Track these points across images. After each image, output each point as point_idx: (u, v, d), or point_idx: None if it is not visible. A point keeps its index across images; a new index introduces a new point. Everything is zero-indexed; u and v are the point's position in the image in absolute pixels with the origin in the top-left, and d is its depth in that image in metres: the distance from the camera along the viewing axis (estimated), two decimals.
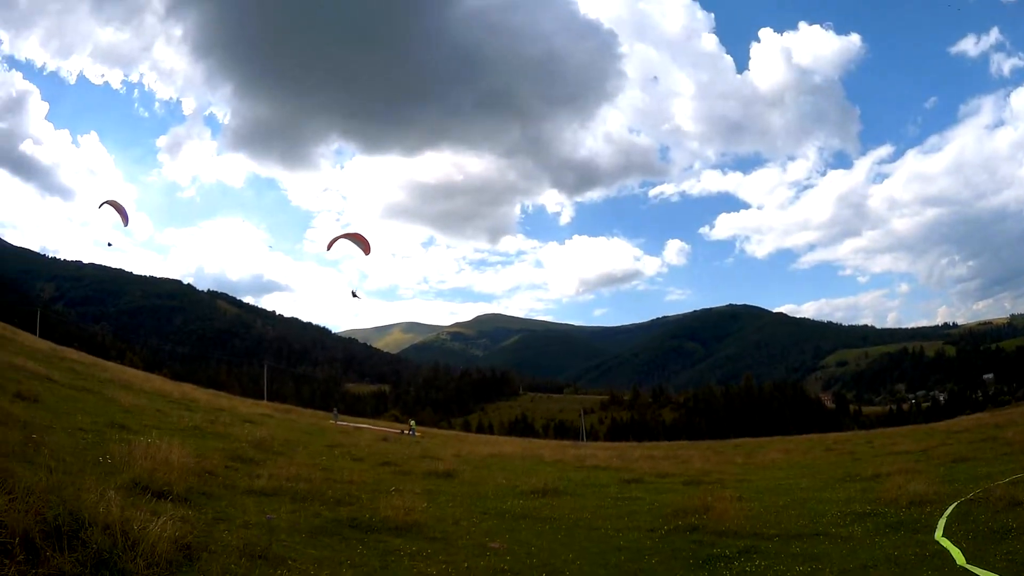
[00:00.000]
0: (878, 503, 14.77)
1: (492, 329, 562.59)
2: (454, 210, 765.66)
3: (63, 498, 6.97)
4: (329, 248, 36.86)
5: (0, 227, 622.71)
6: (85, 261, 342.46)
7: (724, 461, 34.26)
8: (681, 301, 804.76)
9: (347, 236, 37.33)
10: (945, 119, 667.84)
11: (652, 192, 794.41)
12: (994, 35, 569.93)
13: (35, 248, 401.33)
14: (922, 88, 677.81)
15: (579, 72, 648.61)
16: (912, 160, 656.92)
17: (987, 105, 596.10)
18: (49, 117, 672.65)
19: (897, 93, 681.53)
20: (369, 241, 37.10)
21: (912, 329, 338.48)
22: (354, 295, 43.73)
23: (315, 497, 13.27)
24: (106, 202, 42.89)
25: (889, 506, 14.27)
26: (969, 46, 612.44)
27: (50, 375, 27.18)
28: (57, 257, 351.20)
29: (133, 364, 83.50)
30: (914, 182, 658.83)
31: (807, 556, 10.54)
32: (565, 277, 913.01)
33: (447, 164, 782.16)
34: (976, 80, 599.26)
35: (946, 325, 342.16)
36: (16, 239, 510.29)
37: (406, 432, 54.64)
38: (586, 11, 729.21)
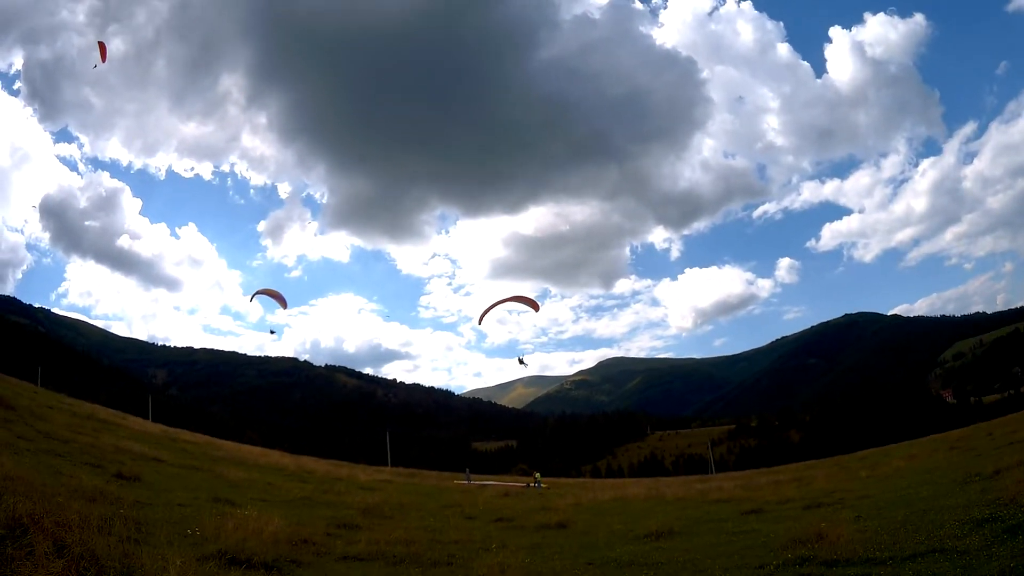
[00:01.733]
0: (997, 505, 13.57)
1: (615, 373, 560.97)
2: (564, 260, 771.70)
3: (126, 564, 7.37)
4: (481, 322, 38.12)
5: (106, 320, 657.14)
6: (196, 347, 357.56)
7: (848, 477, 32.55)
8: (798, 319, 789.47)
9: (513, 299, 37.58)
10: (1019, 82, 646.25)
11: (755, 213, 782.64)
12: None
13: (143, 338, 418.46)
14: (991, 54, 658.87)
15: (665, 104, 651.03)
16: (996, 133, 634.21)
17: None
18: (144, 212, 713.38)
19: (969, 65, 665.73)
20: (534, 299, 37.83)
21: (1022, 308, 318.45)
22: (521, 362, 43.85)
23: (412, 560, 13.05)
24: (259, 292, 45.00)
25: (1008, 507, 13.05)
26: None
27: (158, 456, 27.85)
28: (168, 344, 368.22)
29: (251, 442, 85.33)
30: (1002, 155, 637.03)
31: None
32: (681, 311, 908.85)
33: (551, 215, 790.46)
34: None
35: None
36: (123, 331, 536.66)
37: (531, 485, 53.64)
38: (662, 42, 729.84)
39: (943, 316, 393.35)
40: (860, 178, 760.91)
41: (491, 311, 37.32)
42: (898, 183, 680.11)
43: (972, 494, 16.15)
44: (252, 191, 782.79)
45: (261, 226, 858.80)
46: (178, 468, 26.50)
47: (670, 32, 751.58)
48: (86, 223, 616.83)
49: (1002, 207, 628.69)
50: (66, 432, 26.26)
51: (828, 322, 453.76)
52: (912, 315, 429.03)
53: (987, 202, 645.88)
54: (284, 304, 45.69)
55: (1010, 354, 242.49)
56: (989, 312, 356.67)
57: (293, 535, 13.20)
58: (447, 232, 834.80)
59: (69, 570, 6.76)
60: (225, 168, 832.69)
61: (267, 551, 11.04)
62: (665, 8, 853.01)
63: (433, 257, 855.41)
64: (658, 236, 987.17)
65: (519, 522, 21.93)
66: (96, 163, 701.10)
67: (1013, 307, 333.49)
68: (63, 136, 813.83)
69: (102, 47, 43.74)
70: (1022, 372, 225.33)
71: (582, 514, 23.86)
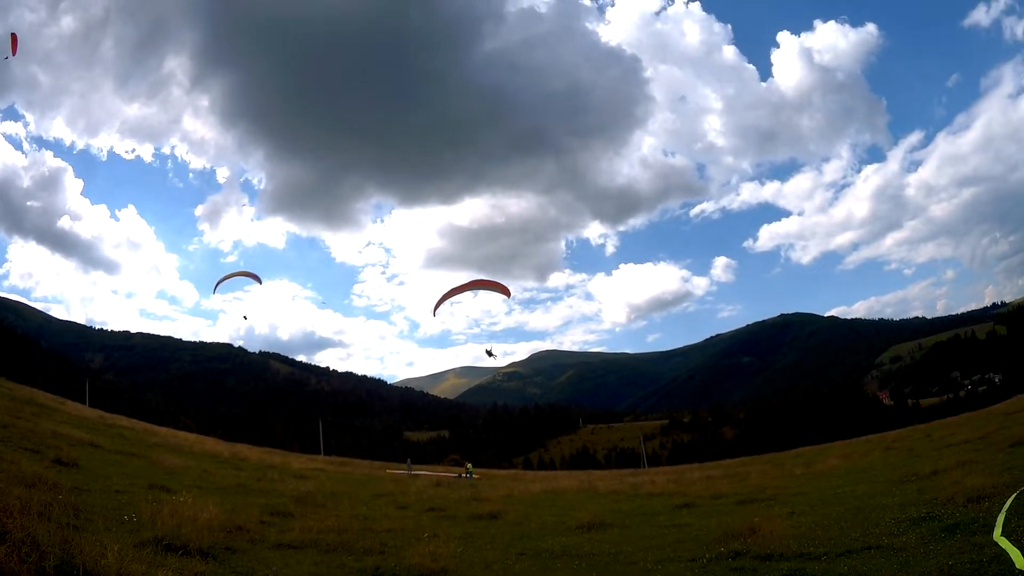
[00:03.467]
0: (934, 504, 14.05)
1: (547, 366, 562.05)
2: (499, 252, 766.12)
3: (67, 551, 7.40)
4: (436, 311, 35.30)
5: (45, 303, 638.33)
6: (133, 331, 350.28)
7: (782, 474, 33.37)
8: (733, 317, 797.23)
9: (479, 285, 35.67)
10: (969, 95, 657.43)
11: (693, 212, 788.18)
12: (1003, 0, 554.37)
13: (82, 321, 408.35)
14: (943, 67, 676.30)
15: (607, 101, 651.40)
16: (943, 143, 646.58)
17: (1007, 73, 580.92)
18: (85, 193, 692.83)
19: (919, 76, 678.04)
20: (502, 283, 35.32)
21: (962, 314, 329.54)
22: (489, 354, 42.68)
23: (345, 548, 13.08)
24: (227, 277, 44.55)
25: (946, 506, 13.53)
26: (981, 16, 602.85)
27: (95, 441, 27.59)
28: (105, 328, 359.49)
29: (187, 428, 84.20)
30: (947, 165, 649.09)
31: (856, 575, 9.92)
32: (616, 306, 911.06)
33: (487, 207, 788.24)
34: (993, 49, 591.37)
35: (995, 305, 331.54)
36: (61, 314, 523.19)
37: (463, 476, 53.96)
38: (607, 39, 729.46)
39: (881, 319, 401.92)
40: (801, 181, 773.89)
41: (450, 298, 34.79)
42: (839, 188, 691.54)
43: (909, 493, 16.69)
44: (191, 175, 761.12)
45: (199, 210, 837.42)
46: (115, 454, 26.20)
47: (616, 30, 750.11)
48: (28, 203, 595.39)
49: (946, 215, 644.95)
50: (6, 416, 25.90)
51: (763, 321, 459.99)
52: (850, 317, 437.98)
53: (930, 210, 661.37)
54: (258, 280, 45.52)
55: (950, 358, 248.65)
56: (929, 317, 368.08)
57: (227, 522, 13.11)
58: (382, 221, 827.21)
59: (11, 556, 6.76)
60: (166, 151, 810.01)
61: (203, 538, 10.97)
62: (612, 6, 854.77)
63: (368, 245, 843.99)
64: (594, 231, 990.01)
65: (451, 512, 22.00)
66: (40, 142, 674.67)
67: (953, 313, 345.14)
68: (10, 114, 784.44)
69: (14, 39, 42.39)
70: (961, 376, 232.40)
71: (514, 505, 23.99)
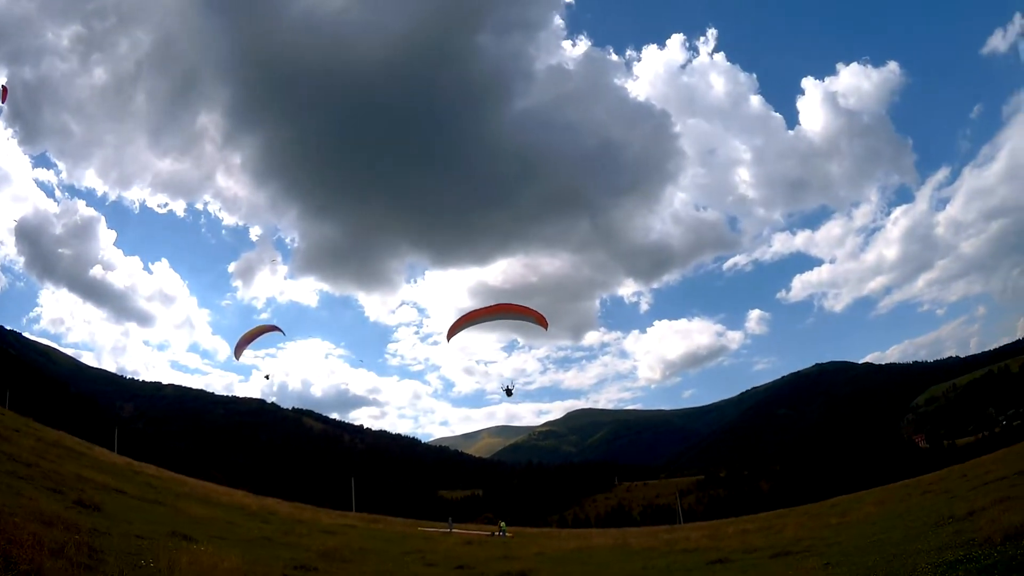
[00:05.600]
0: (971, 545, 13.64)
1: (583, 424, 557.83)
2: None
3: None
4: (450, 338, 32.05)
5: (76, 349, 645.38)
6: (165, 382, 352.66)
7: (818, 525, 32.45)
8: (768, 369, 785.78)
9: (508, 310, 32.71)
10: (992, 124, 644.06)
11: (726, 266, 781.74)
12: (1017, 22, 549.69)
13: (113, 369, 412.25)
14: (965, 98, 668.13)
15: (639, 157, 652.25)
16: (969, 177, 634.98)
17: None
18: (118, 244, 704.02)
19: (942, 110, 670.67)
20: (539, 312, 32.18)
21: (996, 350, 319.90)
22: (508, 392, 41.50)
23: None
24: (246, 340, 44.97)
25: (983, 547, 13.14)
26: (998, 42, 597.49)
27: (120, 487, 27.23)
28: (136, 378, 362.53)
29: (216, 481, 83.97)
30: (975, 199, 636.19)
31: None
32: (650, 363, 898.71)
33: (520, 267, 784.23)
34: (1012, 75, 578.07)
35: None
36: (92, 361, 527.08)
37: (496, 534, 53.26)
38: (635, 94, 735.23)
39: (915, 362, 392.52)
40: (831, 228, 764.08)
41: (471, 323, 31.67)
42: (870, 232, 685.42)
43: (945, 536, 16.17)
44: (224, 231, 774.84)
45: (232, 267, 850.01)
46: (140, 501, 25.92)
47: (643, 85, 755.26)
48: (60, 250, 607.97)
49: (975, 251, 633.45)
50: (30, 456, 25.73)
51: (798, 372, 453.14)
52: (884, 363, 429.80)
53: (960, 247, 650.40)
54: (278, 329, 45.92)
55: (984, 396, 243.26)
56: (963, 356, 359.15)
57: (249, 573, 12.95)
58: (415, 281, 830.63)
59: None
60: (199, 206, 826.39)
61: None
62: (639, 60, 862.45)
63: (401, 305, 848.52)
64: (628, 288, 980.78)
65: (479, 570, 21.67)
66: (72, 191, 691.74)
67: (987, 350, 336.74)
68: (42, 161, 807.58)
69: (4, 91, 43.64)
70: (996, 413, 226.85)
71: (544, 563, 23.60)
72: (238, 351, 45.90)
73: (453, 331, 32.02)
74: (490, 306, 32.17)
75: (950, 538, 15.56)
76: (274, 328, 46.03)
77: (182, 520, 22.65)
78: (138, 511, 22.23)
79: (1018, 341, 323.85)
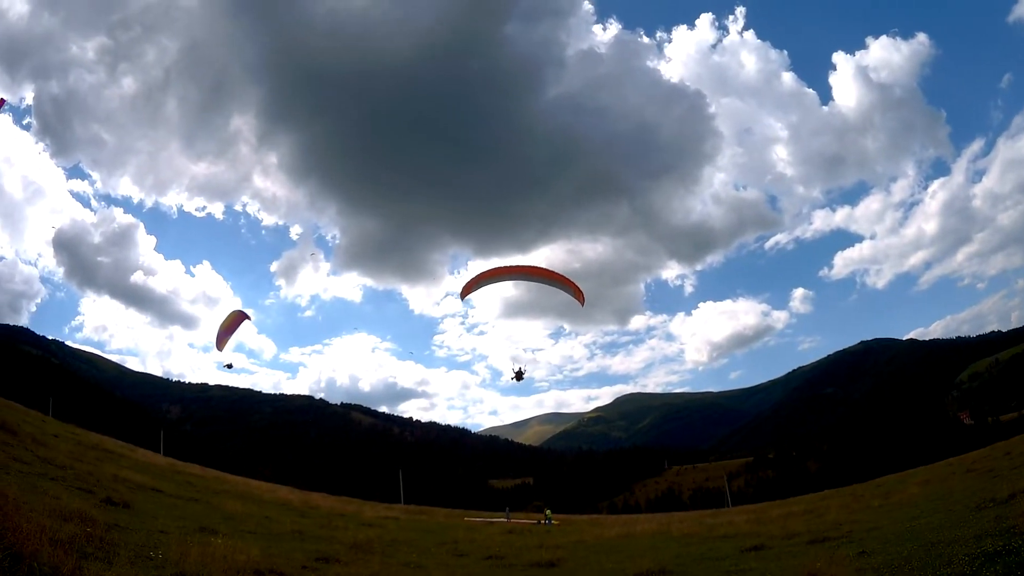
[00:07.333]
0: (1011, 534, 12.84)
1: (631, 409, 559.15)
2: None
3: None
4: (464, 295, 30.67)
5: (120, 355, 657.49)
6: (211, 383, 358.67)
7: (861, 507, 31.62)
8: (814, 348, 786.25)
9: (534, 273, 30.97)
10: (1022, 94, 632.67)
11: (768, 244, 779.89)
12: None
13: (158, 373, 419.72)
14: (994, 68, 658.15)
15: (675, 138, 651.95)
16: (1004, 148, 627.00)
17: None
18: (158, 249, 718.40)
19: (973, 80, 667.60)
20: (581, 289, 30.38)
21: None
22: (519, 376, 40.79)
23: None
24: (223, 337, 45.16)
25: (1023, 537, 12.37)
26: (1022, 10, 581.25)
27: (157, 486, 27.34)
28: (183, 380, 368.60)
29: (263, 478, 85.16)
30: (1010, 170, 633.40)
31: None
32: (696, 345, 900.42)
33: (562, 253, 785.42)
34: None
35: None
36: (136, 367, 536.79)
37: (542, 522, 52.95)
38: (668, 75, 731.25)
39: (958, 337, 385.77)
40: (870, 204, 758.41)
41: (489, 280, 29.87)
42: (908, 207, 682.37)
43: (985, 523, 15.47)
44: (264, 231, 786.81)
45: (274, 266, 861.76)
46: (175, 499, 25.99)
47: (676, 66, 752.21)
48: (99, 258, 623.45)
49: (1012, 223, 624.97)
50: (66, 459, 25.82)
51: (844, 350, 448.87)
52: (927, 339, 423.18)
53: (998, 219, 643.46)
54: (247, 316, 46.04)
55: None
56: (1004, 330, 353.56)
57: (263, 565, 12.76)
58: (459, 272, 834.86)
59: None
60: (237, 208, 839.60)
61: None
62: (670, 42, 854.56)
63: (446, 297, 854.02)
64: (671, 271, 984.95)
65: (509, 560, 21.41)
66: (108, 199, 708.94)
67: None
68: (75, 172, 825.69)
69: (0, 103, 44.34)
70: None
71: (579, 552, 23.45)
72: (220, 342, 46.05)
73: (469, 288, 30.61)
74: (514, 266, 30.80)
75: (991, 524, 14.83)
76: (244, 314, 46.09)
77: (215, 516, 22.69)
78: (169, 508, 22.23)
79: None
